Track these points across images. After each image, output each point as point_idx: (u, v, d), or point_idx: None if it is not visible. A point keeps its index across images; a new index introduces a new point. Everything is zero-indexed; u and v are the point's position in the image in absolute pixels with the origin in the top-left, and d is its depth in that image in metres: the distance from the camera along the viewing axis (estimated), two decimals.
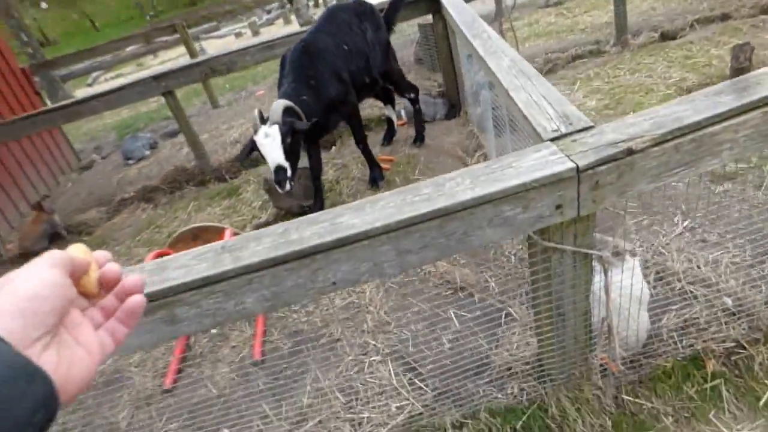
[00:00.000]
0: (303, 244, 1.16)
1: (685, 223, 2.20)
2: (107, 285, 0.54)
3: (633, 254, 1.80)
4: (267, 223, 3.32)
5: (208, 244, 1.24)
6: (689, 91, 3.50)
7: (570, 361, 1.66)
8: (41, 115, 4.19)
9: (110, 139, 7.12)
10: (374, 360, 1.95)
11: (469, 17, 2.85)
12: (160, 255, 2.33)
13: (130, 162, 5.37)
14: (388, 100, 3.76)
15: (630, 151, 1.17)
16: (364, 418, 1.77)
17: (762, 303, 1.77)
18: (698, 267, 1.96)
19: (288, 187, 2.61)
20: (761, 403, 1.66)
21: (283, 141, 2.56)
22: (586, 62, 4.57)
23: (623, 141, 1.18)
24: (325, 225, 1.20)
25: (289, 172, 2.59)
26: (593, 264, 1.54)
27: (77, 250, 0.53)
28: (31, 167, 5.31)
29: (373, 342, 2.02)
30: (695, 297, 1.88)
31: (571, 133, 1.28)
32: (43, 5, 32.83)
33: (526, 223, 1.23)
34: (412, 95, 3.65)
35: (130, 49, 9.32)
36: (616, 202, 1.36)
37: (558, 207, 1.22)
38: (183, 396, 2.04)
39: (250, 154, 2.81)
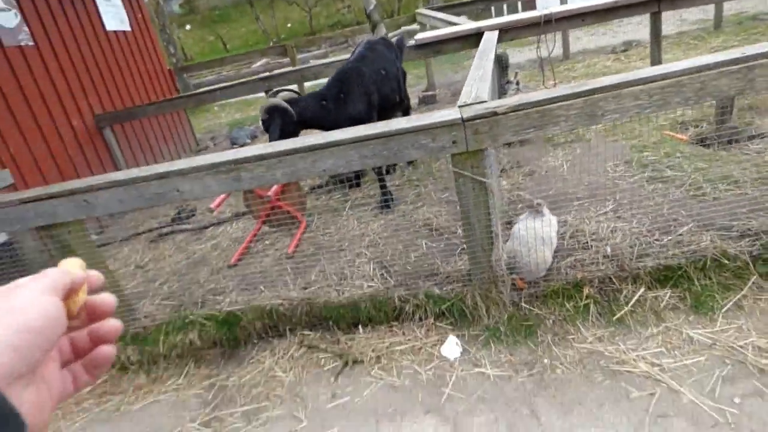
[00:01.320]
0: (309, 143, 2.15)
1: (612, 206, 2.91)
2: (94, 315, 0.51)
3: (542, 212, 2.59)
4: (320, 186, 4.44)
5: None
6: (685, 127, 4.11)
7: (480, 266, 2.47)
8: (179, 98, 5.67)
9: (223, 132, 8.76)
10: (362, 261, 2.88)
11: (487, 48, 3.77)
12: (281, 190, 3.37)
13: (235, 146, 6.79)
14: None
15: (495, 113, 2.04)
16: (345, 290, 2.70)
17: (631, 255, 2.47)
18: (601, 230, 2.68)
19: None
20: (614, 318, 2.35)
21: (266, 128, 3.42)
22: None
23: (493, 108, 2.06)
24: (322, 136, 2.18)
25: None
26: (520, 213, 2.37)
27: (74, 266, 0.51)
28: (164, 143, 6.91)
29: (365, 252, 2.95)
30: (590, 247, 2.61)
31: (472, 104, 2.17)
32: (188, 27, 37.93)
33: (435, 149, 2.13)
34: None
35: (248, 69, 11.23)
36: (492, 145, 2.20)
37: (454, 142, 2.11)
38: (240, 270, 3.10)
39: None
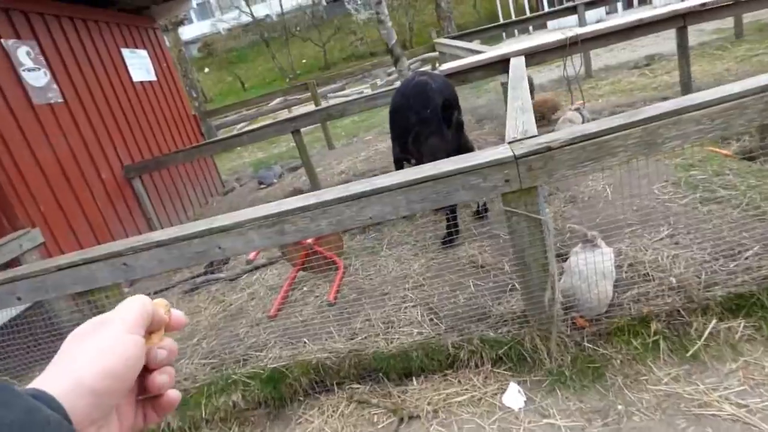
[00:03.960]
0: (354, 190, 2.08)
1: (667, 231, 2.76)
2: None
3: (597, 243, 2.45)
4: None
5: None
6: (727, 142, 3.94)
7: (537, 306, 2.33)
8: (206, 145, 5.73)
9: (248, 172, 8.83)
10: (408, 305, 2.76)
11: (519, 76, 3.70)
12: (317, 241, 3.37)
13: (262, 186, 6.81)
14: None
15: (549, 148, 1.94)
16: (394, 338, 2.58)
17: (698, 285, 2.31)
18: (662, 259, 2.53)
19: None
20: (688, 354, 2.18)
21: None
22: None
23: (546, 142, 1.96)
24: (367, 183, 2.11)
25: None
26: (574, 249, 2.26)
27: (159, 305, 0.51)
28: (191, 188, 6.98)
29: (411, 295, 2.84)
30: (653, 278, 2.45)
31: (521, 139, 2.08)
32: (206, 70, 39.15)
33: (487, 189, 2.03)
34: None
35: (270, 105, 11.41)
36: (548, 181, 2.09)
37: (507, 180, 2.01)
38: (280, 321, 3.01)
39: None
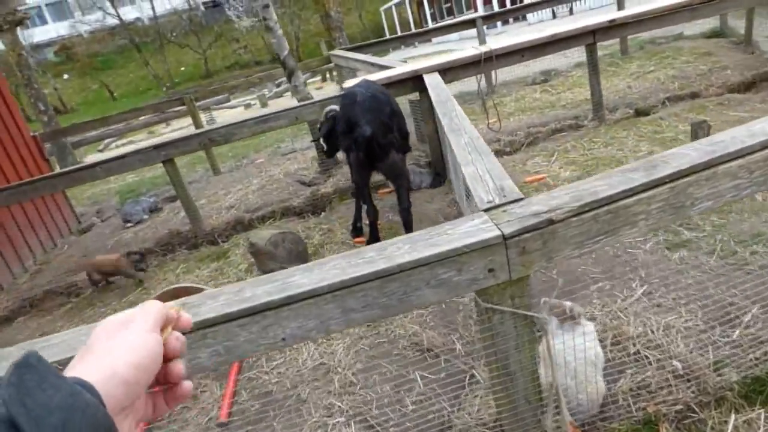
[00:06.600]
0: (255, 301, 1.27)
1: (643, 289, 2.29)
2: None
3: (588, 318, 1.90)
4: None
5: (170, 302, 1.35)
6: None
7: (523, 423, 1.70)
8: (44, 180, 4.42)
9: (112, 203, 7.36)
10: (338, 422, 1.98)
11: (444, 97, 3.10)
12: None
13: (128, 225, 5.55)
14: None
15: (551, 221, 1.31)
16: None
17: (708, 367, 1.84)
18: (652, 332, 2.04)
19: (325, 156, 3.88)
20: None
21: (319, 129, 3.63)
22: (565, 135, 4.83)
23: (545, 212, 1.32)
24: (277, 284, 1.31)
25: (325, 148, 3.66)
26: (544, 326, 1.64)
27: (171, 308, 0.56)
28: (30, 230, 5.48)
29: (339, 403, 2.06)
30: (649, 360, 1.94)
31: (503, 204, 1.42)
32: (66, 76, 34.67)
33: (462, 285, 1.34)
34: None
35: (142, 118, 9.84)
36: (546, 266, 1.48)
37: (490, 270, 1.33)
38: None
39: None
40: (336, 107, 3.60)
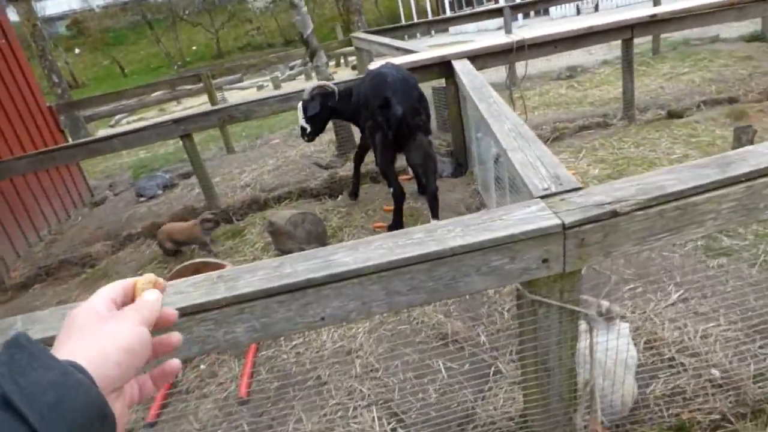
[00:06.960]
0: (295, 278, 1.20)
1: (678, 294, 2.22)
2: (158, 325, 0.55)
3: (622, 318, 1.83)
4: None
5: (205, 273, 1.29)
6: None
7: (554, 419, 1.64)
8: (62, 149, 4.36)
9: (125, 177, 7.30)
10: (359, 405, 1.93)
11: (479, 83, 3.02)
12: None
13: (141, 200, 5.50)
14: None
15: (615, 213, 1.23)
16: None
17: (749, 378, 1.76)
18: (689, 338, 1.96)
19: (305, 140, 3.65)
20: None
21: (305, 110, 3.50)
22: (592, 133, 4.70)
23: (609, 203, 1.25)
24: (318, 261, 1.25)
25: (308, 131, 3.56)
26: (579, 323, 1.57)
27: (149, 283, 0.56)
28: (46, 200, 5.44)
29: (360, 387, 2.01)
30: (684, 367, 1.87)
31: (560, 193, 1.35)
32: (77, 51, 34.55)
33: (513, 274, 1.27)
34: None
35: (155, 95, 9.76)
36: (602, 261, 1.40)
37: (544, 261, 1.26)
38: (164, 431, 2.02)
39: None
40: (322, 83, 3.65)
